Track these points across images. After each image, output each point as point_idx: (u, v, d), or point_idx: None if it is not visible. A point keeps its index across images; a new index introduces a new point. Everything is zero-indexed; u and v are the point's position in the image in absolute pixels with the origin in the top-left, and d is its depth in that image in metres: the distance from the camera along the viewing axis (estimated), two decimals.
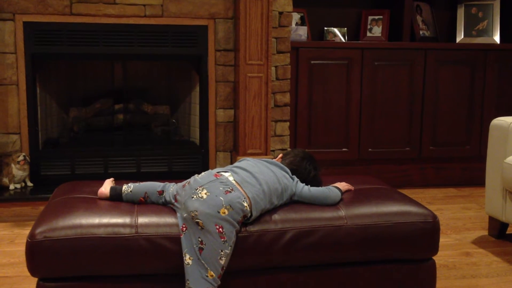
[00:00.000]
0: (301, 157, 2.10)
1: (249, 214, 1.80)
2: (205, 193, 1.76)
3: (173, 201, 1.86)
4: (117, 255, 1.72)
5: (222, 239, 1.71)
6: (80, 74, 3.72)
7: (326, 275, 1.88)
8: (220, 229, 1.71)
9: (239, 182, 1.83)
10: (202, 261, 1.71)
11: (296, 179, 1.99)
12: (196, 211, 1.73)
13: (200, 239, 1.72)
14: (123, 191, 1.93)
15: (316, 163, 2.13)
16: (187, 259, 1.72)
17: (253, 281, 1.84)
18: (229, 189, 1.78)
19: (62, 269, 1.72)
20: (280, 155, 2.16)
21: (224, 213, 1.73)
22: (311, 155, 2.16)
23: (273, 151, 3.57)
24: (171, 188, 1.90)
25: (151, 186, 1.94)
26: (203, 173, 1.88)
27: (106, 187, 1.97)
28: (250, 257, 1.80)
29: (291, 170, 2.02)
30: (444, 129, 3.90)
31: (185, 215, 1.76)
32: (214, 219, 1.72)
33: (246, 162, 1.97)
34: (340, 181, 2.13)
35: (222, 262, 1.72)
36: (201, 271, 1.70)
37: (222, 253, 1.72)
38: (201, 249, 1.71)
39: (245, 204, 1.78)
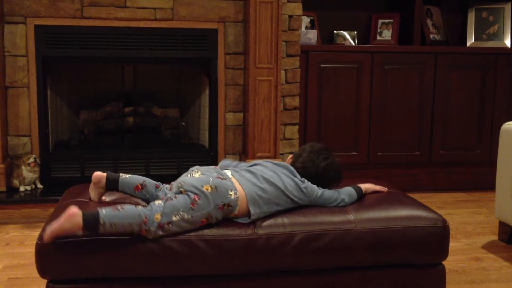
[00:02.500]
0: (308, 152, 2.05)
1: (236, 207, 1.81)
2: (198, 174, 1.84)
3: (166, 191, 1.89)
4: (125, 258, 1.73)
5: (192, 206, 1.75)
6: (91, 77, 3.74)
7: (335, 279, 1.87)
8: (196, 198, 1.76)
9: (236, 179, 1.87)
10: (162, 205, 1.73)
11: (306, 183, 1.95)
12: (183, 182, 1.81)
13: (176, 196, 1.77)
14: (121, 175, 1.95)
15: (325, 152, 2.05)
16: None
17: (260, 285, 1.84)
18: (222, 177, 1.84)
19: (71, 271, 1.73)
20: (290, 156, 2.12)
21: (207, 189, 1.78)
22: (319, 146, 2.08)
23: (282, 154, 3.57)
24: (168, 185, 1.94)
25: (150, 180, 1.98)
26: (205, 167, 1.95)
27: (102, 174, 1.94)
28: (258, 260, 1.80)
29: (301, 169, 2.00)
30: (454, 133, 3.88)
31: (174, 190, 1.81)
32: (195, 189, 1.77)
33: (253, 167, 1.98)
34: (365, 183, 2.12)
35: (174, 218, 1.73)
36: (153, 206, 1.73)
37: (182, 213, 1.74)
38: (170, 199, 1.76)
39: (231, 193, 1.80)
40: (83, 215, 1.66)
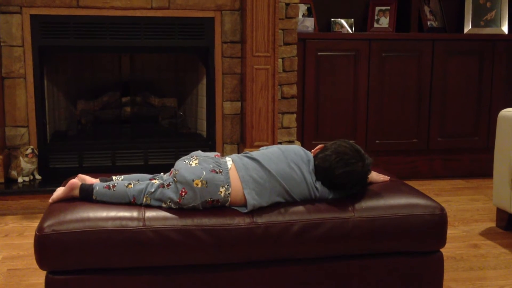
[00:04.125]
0: (332, 150, 1.89)
1: (226, 202, 1.81)
2: (195, 163, 1.83)
3: (165, 177, 1.89)
4: (125, 248, 1.73)
5: (178, 200, 1.79)
6: (87, 66, 3.72)
7: (334, 267, 1.88)
8: (183, 193, 1.78)
9: (236, 169, 1.83)
10: (154, 189, 1.81)
11: (319, 189, 1.88)
12: (178, 171, 1.82)
13: (169, 185, 1.81)
14: (114, 179, 1.92)
15: (349, 157, 1.86)
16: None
17: (260, 273, 1.84)
18: (217, 170, 1.82)
19: (71, 262, 1.73)
20: (319, 146, 1.97)
21: (197, 184, 1.79)
22: (347, 147, 1.89)
23: (280, 143, 3.57)
24: (165, 176, 1.93)
25: (142, 175, 1.97)
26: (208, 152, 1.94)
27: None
28: (257, 248, 1.80)
29: (317, 166, 1.89)
30: (452, 120, 3.88)
31: (170, 177, 1.84)
32: (185, 182, 1.78)
33: (265, 155, 1.89)
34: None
35: (163, 205, 1.80)
36: (148, 186, 1.82)
37: (169, 203, 1.80)
38: (163, 185, 1.81)
39: (222, 190, 1.80)
40: (80, 188, 1.86)
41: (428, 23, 4.00)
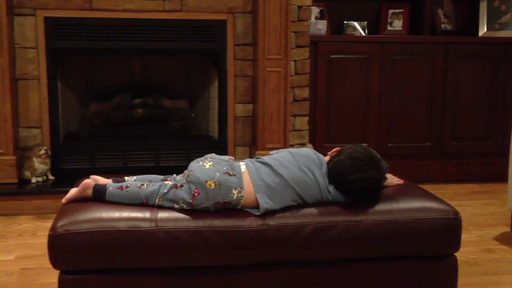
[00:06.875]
0: (346, 155, 1.86)
1: (238, 204, 1.81)
2: (209, 165, 1.83)
3: (178, 178, 1.90)
4: (137, 248, 1.73)
5: (191, 201, 1.79)
6: (100, 68, 3.74)
7: (345, 270, 1.87)
8: (196, 194, 1.78)
9: (249, 173, 1.83)
10: (167, 189, 1.81)
11: (331, 192, 1.87)
12: (191, 172, 1.82)
13: (182, 185, 1.81)
14: (126, 180, 1.93)
15: (363, 163, 1.83)
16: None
17: (271, 276, 1.83)
18: (230, 172, 1.82)
19: (83, 262, 1.74)
20: (335, 149, 1.96)
21: (210, 185, 1.78)
22: (362, 153, 1.85)
23: (292, 145, 3.56)
24: (178, 177, 1.93)
25: (154, 176, 1.98)
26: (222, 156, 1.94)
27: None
28: (269, 251, 1.80)
29: (330, 170, 1.88)
30: (465, 123, 3.85)
31: (184, 177, 1.85)
32: (198, 183, 1.78)
33: (276, 160, 1.88)
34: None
35: (176, 206, 1.81)
36: (161, 187, 1.82)
37: (181, 204, 1.80)
38: (176, 186, 1.81)
39: (234, 192, 1.80)
40: (94, 188, 1.86)
41: (442, 26, 3.98)
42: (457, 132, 3.85)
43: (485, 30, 4.02)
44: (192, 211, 1.80)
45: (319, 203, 1.88)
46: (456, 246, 1.91)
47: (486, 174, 3.92)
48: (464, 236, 2.55)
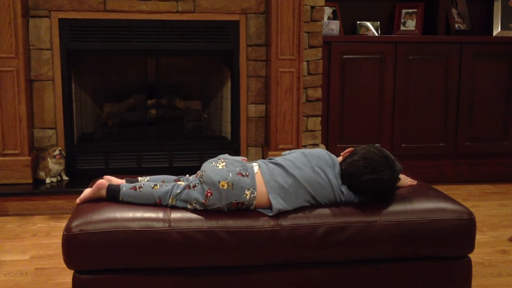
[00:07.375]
0: (360, 156, 1.86)
1: (251, 205, 1.81)
2: (222, 165, 1.84)
3: (191, 178, 1.90)
4: (150, 249, 1.74)
5: (204, 201, 1.79)
6: (114, 69, 3.77)
7: (359, 271, 1.86)
8: (209, 194, 1.79)
9: (262, 174, 1.83)
10: (180, 190, 1.82)
11: (345, 193, 1.87)
12: (204, 172, 1.83)
13: (195, 186, 1.82)
14: (140, 180, 1.95)
15: (377, 164, 1.82)
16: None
17: (284, 276, 1.83)
18: (243, 173, 1.82)
19: (97, 262, 1.75)
20: (349, 150, 1.95)
21: (223, 186, 1.79)
22: (376, 154, 1.85)
23: (305, 146, 3.56)
24: (191, 177, 1.94)
25: (167, 176, 1.99)
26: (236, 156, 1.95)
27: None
28: (282, 251, 1.80)
29: (343, 170, 1.87)
30: (480, 124, 3.82)
31: (197, 178, 1.85)
32: (211, 183, 1.79)
33: (289, 161, 1.88)
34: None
35: (189, 206, 1.82)
36: (174, 187, 1.83)
37: (195, 204, 1.81)
38: (189, 186, 1.82)
39: (247, 192, 1.80)
40: (108, 188, 1.88)
41: (456, 25, 3.95)
42: (472, 133, 3.82)
43: (499, 29, 3.98)
44: (205, 211, 1.81)
45: (332, 204, 1.88)
46: (470, 247, 1.90)
47: (501, 175, 3.89)
48: (479, 237, 2.54)
